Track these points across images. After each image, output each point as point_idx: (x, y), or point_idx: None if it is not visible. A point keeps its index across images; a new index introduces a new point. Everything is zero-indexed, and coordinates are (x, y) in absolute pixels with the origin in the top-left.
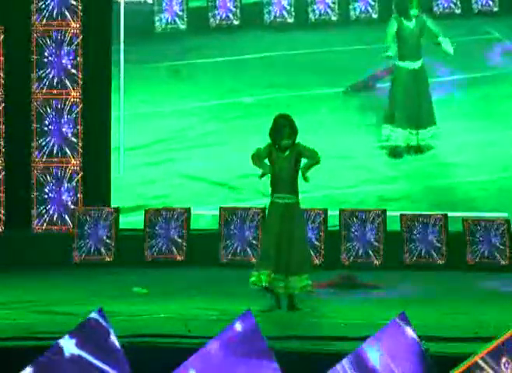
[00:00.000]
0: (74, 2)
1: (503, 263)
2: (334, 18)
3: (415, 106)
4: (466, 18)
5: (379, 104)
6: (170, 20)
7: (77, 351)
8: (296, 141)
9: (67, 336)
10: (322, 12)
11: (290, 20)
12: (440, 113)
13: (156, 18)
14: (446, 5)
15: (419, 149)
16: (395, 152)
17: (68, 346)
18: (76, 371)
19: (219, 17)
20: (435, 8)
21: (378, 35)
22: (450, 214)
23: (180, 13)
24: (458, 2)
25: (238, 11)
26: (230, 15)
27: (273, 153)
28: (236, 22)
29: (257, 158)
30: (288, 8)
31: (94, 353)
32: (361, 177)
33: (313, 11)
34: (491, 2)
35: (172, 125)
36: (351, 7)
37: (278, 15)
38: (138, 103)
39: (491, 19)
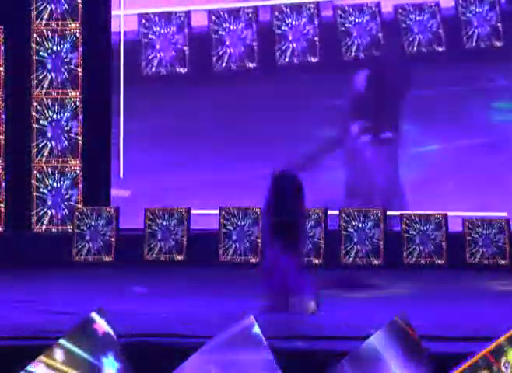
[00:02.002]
0: (74, 3)
1: (503, 263)
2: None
3: None
4: None
5: None
6: None
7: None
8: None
9: None
10: None
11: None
12: None
13: None
14: None
15: None
16: None
17: None
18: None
19: None
20: None
21: None
22: (450, 214)
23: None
24: None
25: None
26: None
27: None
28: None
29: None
30: None
31: (94, 353)
32: None
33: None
34: None
35: (172, 125)
36: None
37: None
38: (138, 104)
39: None
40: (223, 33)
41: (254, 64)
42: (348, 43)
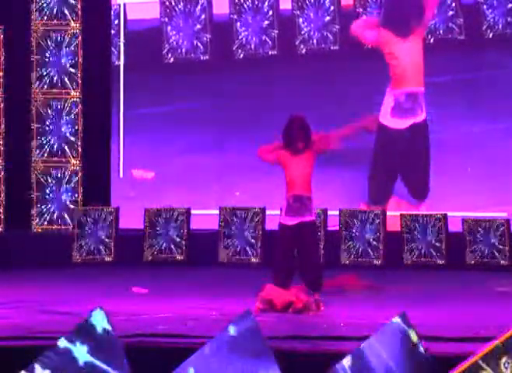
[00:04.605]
0: (74, 2)
1: (503, 263)
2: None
3: None
4: None
5: None
6: None
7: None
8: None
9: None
10: None
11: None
12: None
13: None
14: None
15: None
16: None
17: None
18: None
19: None
20: None
21: None
22: (450, 214)
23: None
24: None
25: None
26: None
27: (285, 154)
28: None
29: (266, 152)
30: None
31: (94, 353)
32: None
33: None
34: None
35: (172, 125)
36: None
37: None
38: (139, 103)
39: None
40: (242, 20)
41: (274, 51)
42: None
